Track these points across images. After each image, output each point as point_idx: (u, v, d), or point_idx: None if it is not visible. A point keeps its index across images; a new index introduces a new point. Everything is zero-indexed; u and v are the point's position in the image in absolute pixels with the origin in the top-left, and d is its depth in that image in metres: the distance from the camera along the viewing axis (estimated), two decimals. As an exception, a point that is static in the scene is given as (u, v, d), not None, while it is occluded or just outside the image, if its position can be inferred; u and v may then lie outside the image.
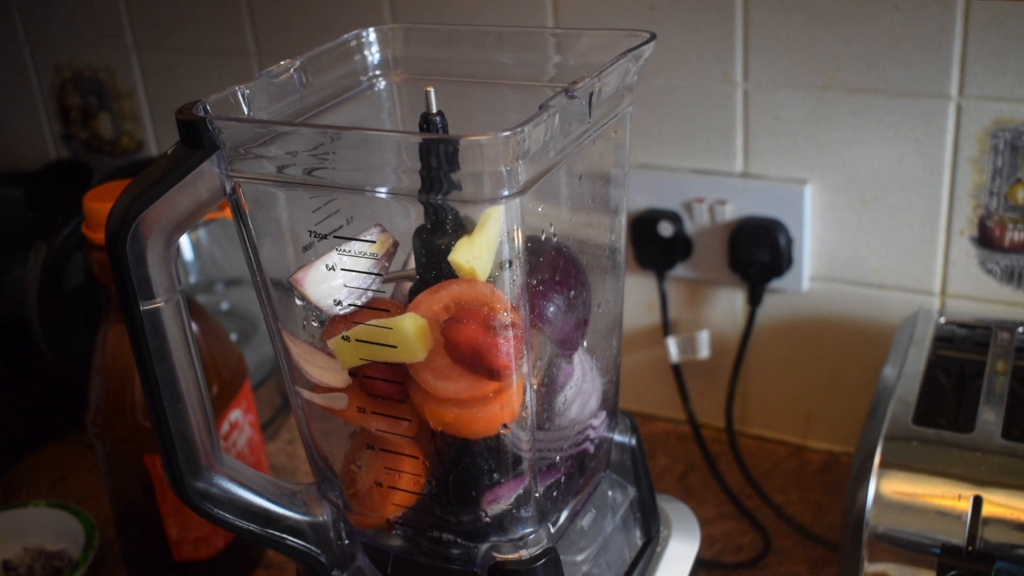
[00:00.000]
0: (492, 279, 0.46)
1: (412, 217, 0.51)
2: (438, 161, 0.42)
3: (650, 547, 0.60)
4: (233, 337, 0.91)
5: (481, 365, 0.47)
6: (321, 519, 0.55)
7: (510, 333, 0.46)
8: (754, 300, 0.81)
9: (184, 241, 0.93)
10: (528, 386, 0.49)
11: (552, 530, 0.53)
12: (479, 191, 0.43)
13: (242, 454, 0.75)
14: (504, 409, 0.48)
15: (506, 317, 0.46)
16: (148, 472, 0.70)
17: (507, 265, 0.46)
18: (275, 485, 0.55)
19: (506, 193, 0.43)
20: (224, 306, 0.98)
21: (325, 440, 0.55)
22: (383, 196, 0.46)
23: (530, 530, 0.52)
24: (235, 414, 0.74)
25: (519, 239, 0.45)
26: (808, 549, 0.75)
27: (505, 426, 0.49)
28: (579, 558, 0.54)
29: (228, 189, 0.48)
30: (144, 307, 0.47)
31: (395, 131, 0.43)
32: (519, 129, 0.41)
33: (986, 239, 0.73)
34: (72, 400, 0.82)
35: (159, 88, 1.01)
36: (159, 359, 0.49)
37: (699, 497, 0.81)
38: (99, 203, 0.65)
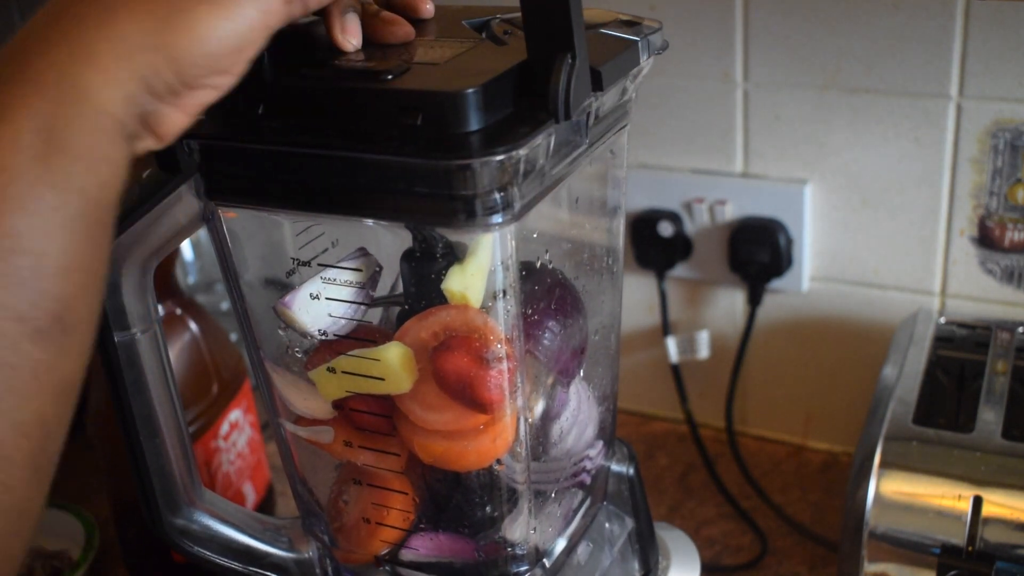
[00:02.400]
0: (485, 309, 0.44)
1: (401, 238, 0.49)
2: (427, 186, 0.39)
3: None
4: (233, 337, 0.91)
5: (470, 398, 0.44)
6: (306, 556, 0.53)
7: (503, 366, 0.44)
8: (754, 300, 0.81)
9: (184, 241, 0.93)
10: (522, 418, 0.46)
11: (548, 565, 0.51)
12: (470, 218, 0.40)
13: (242, 454, 0.75)
14: (497, 441, 0.46)
15: (499, 349, 0.44)
16: (148, 472, 0.70)
17: (501, 295, 0.43)
18: (258, 520, 0.53)
19: (499, 220, 0.40)
20: (224, 306, 0.98)
21: (311, 473, 0.53)
22: (369, 224, 0.43)
23: (525, 567, 0.50)
24: (235, 414, 0.74)
25: (513, 268, 0.43)
26: (808, 549, 0.75)
27: (499, 461, 0.47)
28: None
29: (208, 214, 0.46)
30: (119, 338, 0.45)
31: (381, 154, 0.39)
32: (513, 152, 0.38)
33: (986, 239, 0.73)
34: (72, 400, 0.82)
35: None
36: (135, 392, 0.46)
37: (699, 497, 0.81)
38: (99, 203, 0.65)
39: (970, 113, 0.70)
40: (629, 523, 0.58)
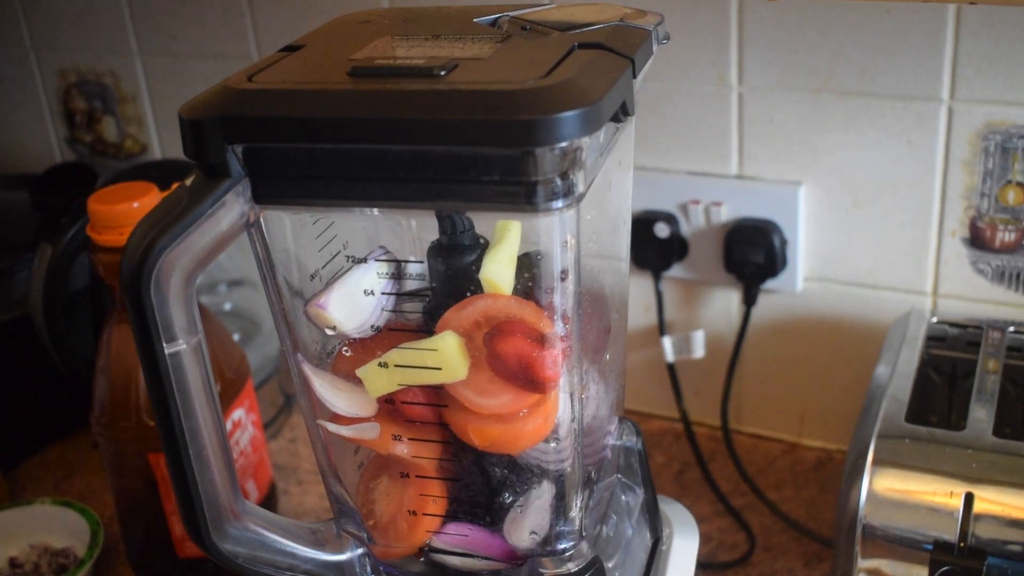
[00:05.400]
0: (549, 289, 0.45)
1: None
2: (500, 172, 0.40)
3: (658, 546, 0.60)
4: (236, 337, 0.91)
5: (529, 378, 0.46)
6: (346, 556, 0.53)
7: (562, 345, 0.45)
8: (749, 300, 0.81)
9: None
10: (575, 395, 0.48)
11: (590, 539, 0.52)
12: (533, 203, 0.41)
13: (245, 452, 0.76)
14: (549, 420, 0.47)
15: (559, 328, 0.45)
16: (152, 470, 0.70)
17: (562, 276, 0.44)
18: (297, 527, 0.53)
19: (561, 204, 0.41)
20: (227, 307, 0.98)
21: (344, 473, 0.53)
22: (430, 208, 0.44)
23: (572, 543, 0.51)
24: (238, 413, 0.75)
25: (575, 249, 0.44)
26: (802, 545, 0.75)
27: (555, 438, 0.48)
28: (610, 565, 0.54)
29: (252, 219, 0.45)
30: (168, 350, 0.44)
31: (449, 144, 0.40)
32: (576, 140, 0.40)
33: (977, 240, 0.74)
34: (77, 399, 0.82)
35: (162, 92, 1.01)
36: (184, 405, 0.45)
37: (694, 495, 0.81)
38: (104, 205, 0.65)
39: (961, 116, 0.71)
40: (640, 494, 0.59)
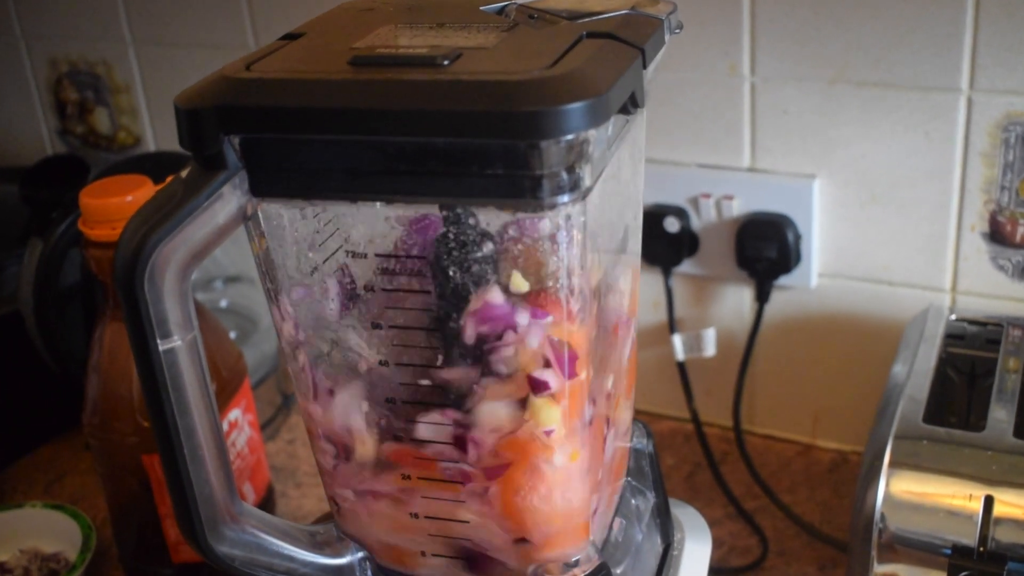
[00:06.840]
0: (559, 288, 0.44)
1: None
2: (504, 166, 0.40)
3: (669, 552, 0.60)
4: (232, 335, 0.91)
5: (534, 377, 0.45)
6: (346, 559, 0.53)
7: (577, 344, 0.45)
8: (761, 297, 0.81)
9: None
10: (590, 396, 0.47)
11: (598, 544, 0.52)
12: (539, 197, 0.40)
13: (241, 454, 0.75)
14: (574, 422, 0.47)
15: (565, 326, 0.45)
16: (146, 472, 0.69)
17: (568, 273, 0.44)
18: (296, 529, 0.53)
19: (567, 199, 0.41)
20: (223, 303, 0.99)
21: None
22: (433, 202, 0.44)
23: (579, 548, 0.51)
24: (234, 413, 0.74)
25: (583, 245, 0.44)
26: (817, 549, 0.75)
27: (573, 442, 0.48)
28: (618, 571, 0.54)
29: (250, 212, 0.45)
30: (163, 347, 0.44)
31: (451, 136, 0.39)
32: (582, 132, 0.39)
33: (997, 234, 0.73)
34: (69, 399, 0.82)
35: (157, 83, 1.02)
36: (179, 403, 0.45)
37: (706, 498, 0.81)
38: (96, 199, 0.65)
39: (981, 107, 0.70)
40: (651, 498, 0.59)
